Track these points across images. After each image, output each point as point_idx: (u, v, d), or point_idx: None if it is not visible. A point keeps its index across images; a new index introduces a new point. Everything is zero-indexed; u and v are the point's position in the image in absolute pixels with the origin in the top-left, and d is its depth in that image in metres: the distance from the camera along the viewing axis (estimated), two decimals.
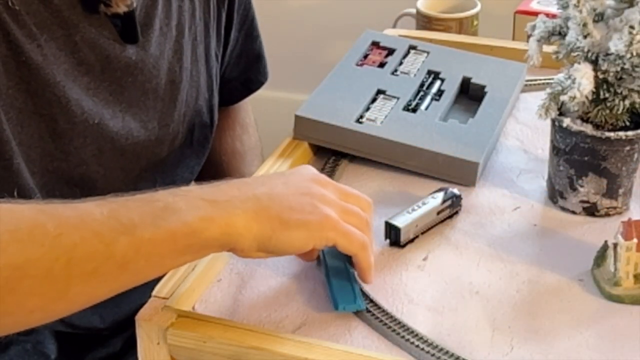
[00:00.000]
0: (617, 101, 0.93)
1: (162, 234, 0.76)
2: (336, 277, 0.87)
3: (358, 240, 0.84)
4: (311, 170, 0.89)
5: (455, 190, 0.98)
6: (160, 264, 0.79)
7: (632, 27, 0.88)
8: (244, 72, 1.24)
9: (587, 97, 0.91)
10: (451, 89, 1.15)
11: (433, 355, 0.80)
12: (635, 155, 0.96)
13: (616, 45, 0.89)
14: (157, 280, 0.94)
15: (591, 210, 0.98)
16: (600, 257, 0.89)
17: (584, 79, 0.89)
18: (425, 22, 1.46)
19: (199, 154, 1.14)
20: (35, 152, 0.94)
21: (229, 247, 0.81)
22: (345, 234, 0.83)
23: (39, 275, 0.73)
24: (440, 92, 1.14)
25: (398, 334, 0.82)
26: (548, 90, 0.93)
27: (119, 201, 0.78)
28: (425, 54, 1.21)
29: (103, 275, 0.76)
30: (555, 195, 1.00)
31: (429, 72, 1.17)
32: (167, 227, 0.77)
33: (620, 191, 0.98)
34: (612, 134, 0.94)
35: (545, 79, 1.22)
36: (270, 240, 0.81)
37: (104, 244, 0.75)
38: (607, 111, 0.94)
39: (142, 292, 1.07)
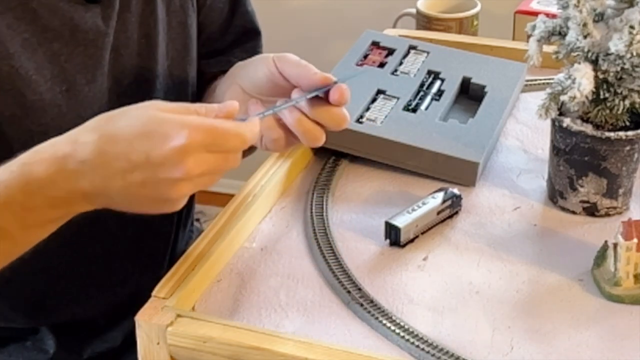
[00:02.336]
0: (617, 101, 0.93)
1: (32, 229, 0.82)
2: None
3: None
4: (183, 159, 0.77)
5: (455, 190, 0.98)
6: (43, 236, 0.84)
7: (632, 27, 0.88)
8: (230, 46, 1.19)
9: (587, 97, 0.91)
10: (451, 89, 1.15)
11: (433, 355, 0.80)
12: (635, 155, 0.96)
13: (616, 45, 0.89)
14: (143, 269, 0.94)
15: (591, 210, 0.98)
16: (600, 257, 0.89)
17: (584, 79, 0.89)
18: (425, 22, 1.46)
19: None
20: (11, 128, 0.93)
21: None
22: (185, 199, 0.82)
23: None
24: (440, 92, 1.14)
25: (398, 334, 0.82)
26: (548, 90, 0.93)
27: None
28: (425, 54, 1.21)
29: None
30: (555, 195, 1.00)
31: (429, 72, 1.17)
32: (34, 223, 0.81)
33: (620, 191, 0.98)
34: (612, 134, 0.94)
35: (545, 79, 1.22)
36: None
37: None
38: (607, 111, 0.94)
39: (133, 282, 1.07)
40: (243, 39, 1.19)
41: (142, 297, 0.86)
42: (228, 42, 1.18)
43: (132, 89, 1.03)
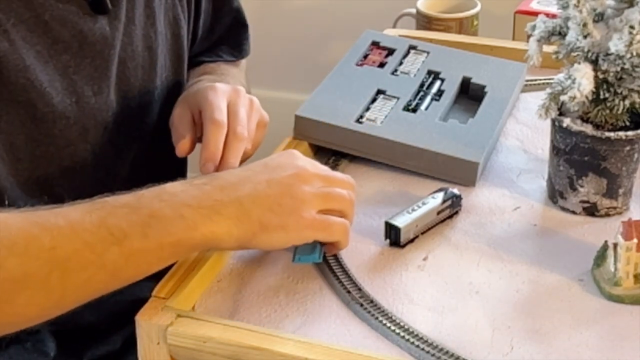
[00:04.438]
0: (617, 101, 0.93)
1: (150, 244, 0.81)
2: None
3: (337, 230, 0.88)
4: (295, 162, 0.90)
5: (455, 190, 0.98)
6: (147, 270, 0.84)
7: (632, 27, 0.88)
8: (212, 47, 1.22)
9: (587, 97, 0.91)
10: (451, 89, 1.15)
11: (433, 355, 0.80)
12: (635, 155, 0.96)
13: (616, 45, 0.89)
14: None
15: (591, 210, 0.98)
16: (600, 257, 0.89)
17: (584, 79, 0.89)
18: (425, 22, 1.46)
19: None
20: (19, 139, 0.93)
21: (211, 248, 0.87)
22: (324, 228, 0.87)
23: (36, 287, 0.77)
24: (440, 92, 1.14)
25: (398, 334, 0.82)
26: (548, 90, 0.93)
27: (106, 207, 0.81)
28: (425, 54, 1.21)
29: (96, 283, 0.80)
30: (555, 195, 1.00)
31: (429, 72, 1.17)
32: (154, 237, 0.81)
33: (620, 191, 0.98)
34: (612, 134, 0.94)
35: (545, 79, 1.22)
36: (250, 242, 0.86)
37: (96, 255, 0.79)
38: (607, 111, 0.94)
39: (135, 287, 1.07)
40: (229, 34, 1.21)
41: (143, 302, 0.86)
42: (213, 40, 1.20)
43: (135, 101, 1.04)
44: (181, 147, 0.98)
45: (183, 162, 1.17)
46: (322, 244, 0.90)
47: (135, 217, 0.81)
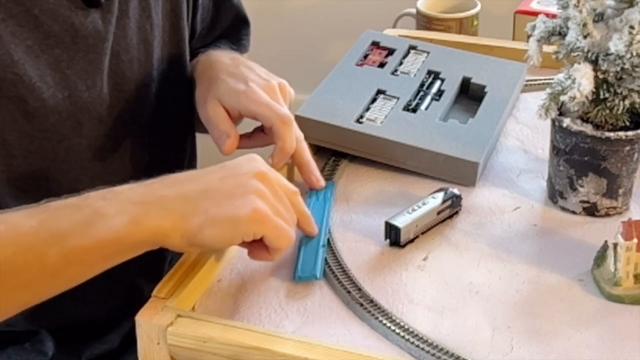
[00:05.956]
0: (617, 101, 0.93)
1: (91, 241, 0.79)
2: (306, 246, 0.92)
3: (285, 237, 0.85)
4: (255, 164, 0.87)
5: (455, 190, 0.98)
6: (91, 269, 0.82)
7: (632, 27, 0.88)
8: (217, 39, 1.22)
9: (587, 97, 0.91)
10: (451, 89, 1.15)
11: (433, 355, 0.80)
12: (635, 155, 0.96)
13: (616, 45, 0.89)
14: (143, 269, 0.95)
15: (591, 210, 0.98)
16: (600, 257, 0.89)
17: (584, 79, 0.89)
18: (425, 22, 1.46)
19: (193, 111, 1.11)
20: (12, 135, 0.93)
21: (159, 246, 0.83)
22: (274, 228, 0.84)
23: None
24: (440, 92, 1.14)
25: (398, 334, 0.82)
26: (548, 90, 0.93)
27: (49, 209, 0.81)
28: (425, 54, 1.21)
29: (37, 285, 0.79)
30: (555, 195, 1.00)
31: (429, 72, 1.17)
32: (95, 234, 0.79)
33: (620, 191, 0.98)
34: (612, 134, 0.94)
35: (545, 79, 1.22)
36: (196, 236, 0.82)
37: (35, 256, 0.78)
38: (607, 111, 0.94)
39: (132, 283, 1.06)
40: (230, 31, 1.21)
41: (140, 298, 0.86)
42: (215, 36, 1.20)
43: (131, 94, 1.03)
44: (229, 146, 0.99)
45: (184, 153, 1.17)
46: (324, 259, 0.90)
47: (76, 216, 0.80)
